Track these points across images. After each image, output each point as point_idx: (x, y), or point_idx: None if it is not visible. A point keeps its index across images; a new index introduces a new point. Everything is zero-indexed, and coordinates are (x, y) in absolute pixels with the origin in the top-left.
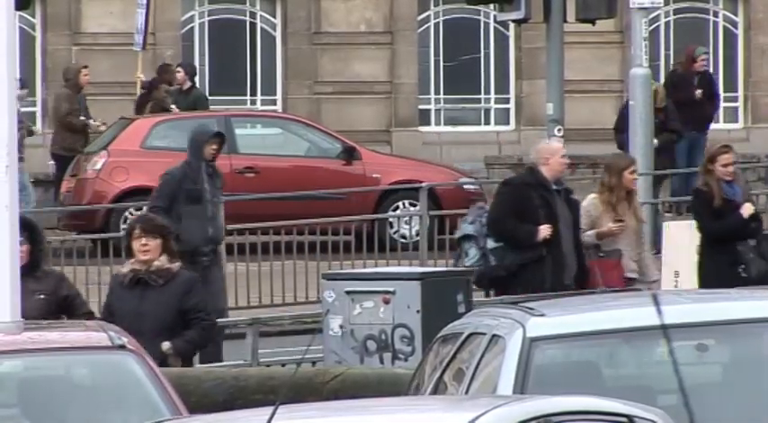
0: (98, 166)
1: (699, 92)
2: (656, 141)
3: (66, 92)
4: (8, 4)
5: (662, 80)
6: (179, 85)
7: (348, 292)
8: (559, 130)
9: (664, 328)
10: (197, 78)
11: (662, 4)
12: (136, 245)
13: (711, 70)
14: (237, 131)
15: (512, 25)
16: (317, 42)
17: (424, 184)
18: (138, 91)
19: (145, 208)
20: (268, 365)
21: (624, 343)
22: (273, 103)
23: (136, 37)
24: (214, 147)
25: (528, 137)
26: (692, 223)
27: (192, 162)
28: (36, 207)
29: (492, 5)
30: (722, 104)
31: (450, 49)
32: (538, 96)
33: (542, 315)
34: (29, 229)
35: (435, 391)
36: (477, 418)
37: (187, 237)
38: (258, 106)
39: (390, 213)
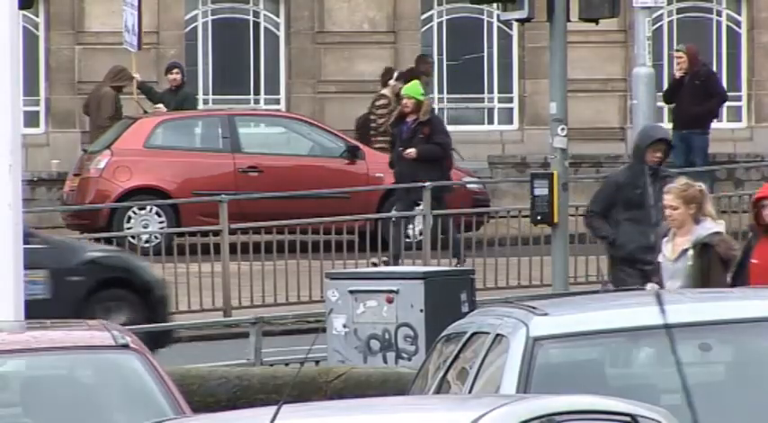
0: (101, 166)
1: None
2: (412, 150)
3: (111, 94)
4: (11, 4)
5: (666, 79)
6: (176, 85)
7: (351, 292)
8: (563, 129)
9: (667, 328)
10: (199, 78)
11: (665, 4)
12: None
13: (714, 69)
14: (241, 130)
15: (515, 24)
16: (320, 41)
17: (427, 184)
18: (135, 91)
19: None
20: (272, 365)
21: (628, 342)
22: (277, 102)
23: (126, 36)
24: (658, 154)
25: (531, 136)
26: None
27: (635, 166)
28: (40, 206)
29: (495, 5)
30: (725, 103)
31: (453, 48)
32: (541, 96)
33: (546, 314)
34: None
35: (439, 391)
36: (480, 417)
37: (624, 242)
38: (261, 105)
39: (394, 212)
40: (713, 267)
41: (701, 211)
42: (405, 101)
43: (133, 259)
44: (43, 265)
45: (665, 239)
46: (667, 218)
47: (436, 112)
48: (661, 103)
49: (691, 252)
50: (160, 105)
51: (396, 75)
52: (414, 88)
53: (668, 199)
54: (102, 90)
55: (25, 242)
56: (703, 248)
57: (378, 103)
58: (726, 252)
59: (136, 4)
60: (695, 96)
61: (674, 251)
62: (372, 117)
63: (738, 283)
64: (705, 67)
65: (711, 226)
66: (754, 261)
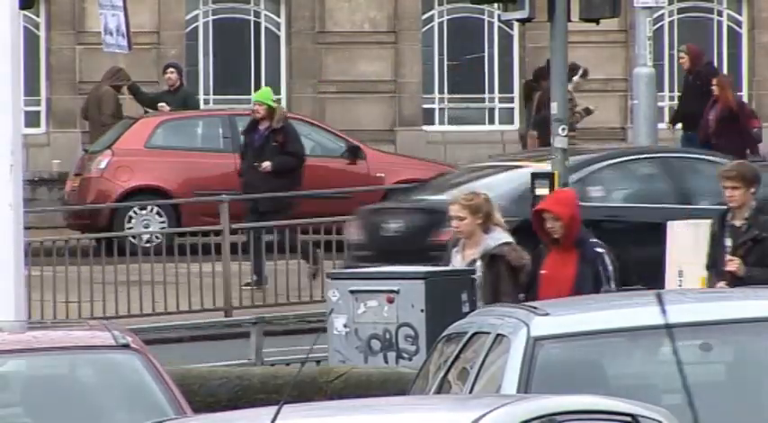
0: (102, 166)
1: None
2: (268, 164)
3: (111, 92)
4: (12, 4)
5: (666, 79)
6: (172, 85)
7: (352, 292)
8: (564, 129)
9: (668, 328)
10: (199, 78)
11: (666, 4)
12: None
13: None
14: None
15: (516, 24)
16: (321, 42)
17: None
18: (126, 92)
19: None
20: (272, 364)
21: (628, 342)
22: (278, 102)
23: (109, 39)
24: None
25: (532, 136)
26: (697, 222)
27: None
28: (41, 206)
29: (496, 4)
30: None
31: (454, 48)
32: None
33: (546, 314)
34: None
35: (439, 391)
36: (481, 417)
37: None
38: None
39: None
40: (502, 278)
41: (489, 220)
42: (256, 107)
43: None
44: None
45: (455, 249)
46: (454, 229)
47: (436, 111)
48: (662, 103)
49: (479, 263)
50: (163, 104)
51: (581, 72)
52: (265, 94)
53: (454, 210)
54: (102, 89)
55: None
56: (492, 259)
57: None
58: (516, 260)
59: (119, 4)
60: (695, 97)
61: (463, 261)
62: None
63: (530, 294)
64: (707, 68)
65: (501, 236)
66: (543, 272)
